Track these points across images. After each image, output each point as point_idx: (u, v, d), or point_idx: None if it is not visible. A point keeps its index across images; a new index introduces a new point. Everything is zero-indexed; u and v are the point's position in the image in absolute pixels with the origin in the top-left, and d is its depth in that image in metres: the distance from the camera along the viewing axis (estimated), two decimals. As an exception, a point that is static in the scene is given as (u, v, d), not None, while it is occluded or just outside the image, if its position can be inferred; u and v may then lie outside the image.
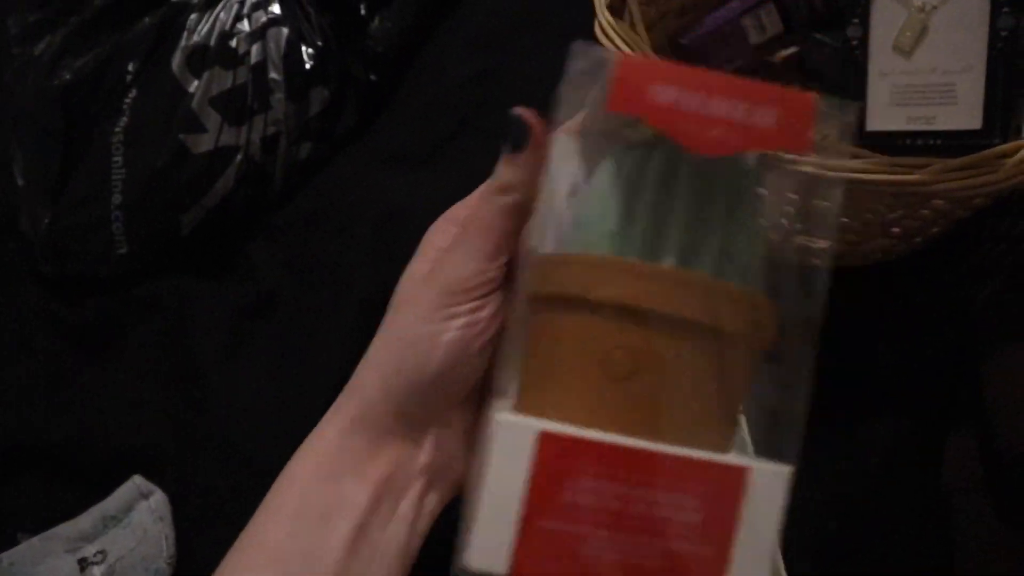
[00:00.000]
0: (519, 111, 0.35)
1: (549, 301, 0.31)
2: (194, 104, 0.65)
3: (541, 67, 0.70)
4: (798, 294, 0.32)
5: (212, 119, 0.65)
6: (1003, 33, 0.49)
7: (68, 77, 0.65)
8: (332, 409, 0.36)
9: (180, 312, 0.66)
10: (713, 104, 0.30)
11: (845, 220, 0.54)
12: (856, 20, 0.52)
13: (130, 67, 0.66)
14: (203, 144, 0.65)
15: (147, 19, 0.66)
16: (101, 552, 0.55)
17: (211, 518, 0.57)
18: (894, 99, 0.52)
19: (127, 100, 0.66)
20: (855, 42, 0.52)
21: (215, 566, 0.34)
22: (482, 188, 0.36)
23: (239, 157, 0.66)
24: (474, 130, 0.71)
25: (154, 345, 0.65)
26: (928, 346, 0.56)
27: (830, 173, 0.46)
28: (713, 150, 0.30)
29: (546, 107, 0.71)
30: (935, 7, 0.50)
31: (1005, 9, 0.48)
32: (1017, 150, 0.47)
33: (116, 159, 0.65)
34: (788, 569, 0.43)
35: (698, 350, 0.30)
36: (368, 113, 0.72)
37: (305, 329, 0.63)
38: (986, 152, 0.47)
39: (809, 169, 0.47)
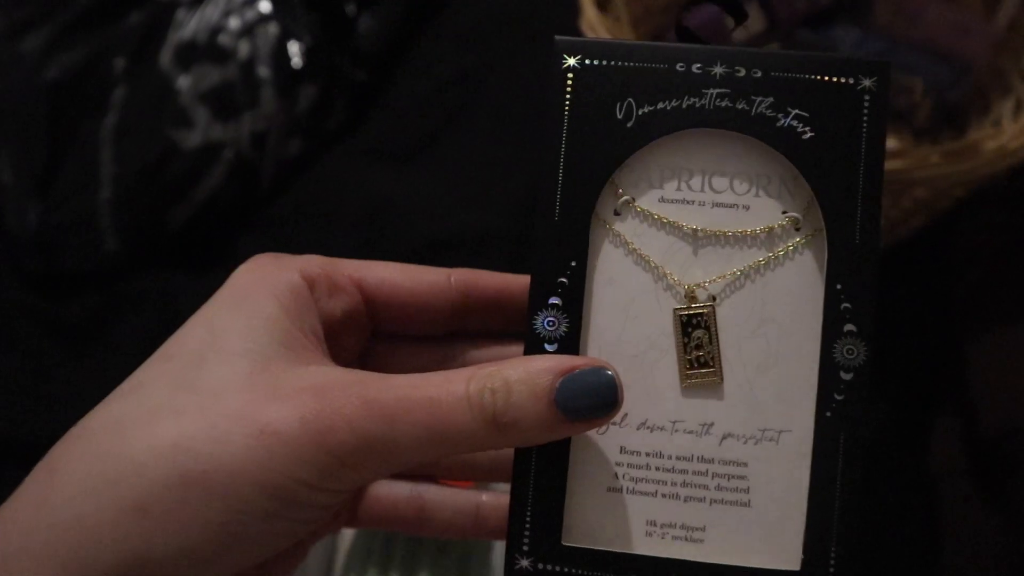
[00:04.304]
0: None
1: None
2: (183, 100, 0.65)
3: (526, 66, 0.72)
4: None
5: (201, 115, 0.65)
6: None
7: (55, 74, 0.65)
8: None
9: (167, 307, 0.65)
10: None
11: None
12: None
13: (118, 63, 0.66)
14: (192, 140, 0.65)
15: (134, 15, 0.67)
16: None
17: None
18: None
19: (115, 96, 0.66)
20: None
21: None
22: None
23: (228, 153, 0.66)
24: (458, 127, 0.72)
25: (140, 340, 0.65)
26: (909, 335, 0.56)
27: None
28: None
29: (528, 105, 0.72)
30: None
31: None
32: (994, 137, 0.48)
33: (104, 155, 0.65)
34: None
35: None
36: (357, 110, 0.73)
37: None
38: (964, 141, 0.48)
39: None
